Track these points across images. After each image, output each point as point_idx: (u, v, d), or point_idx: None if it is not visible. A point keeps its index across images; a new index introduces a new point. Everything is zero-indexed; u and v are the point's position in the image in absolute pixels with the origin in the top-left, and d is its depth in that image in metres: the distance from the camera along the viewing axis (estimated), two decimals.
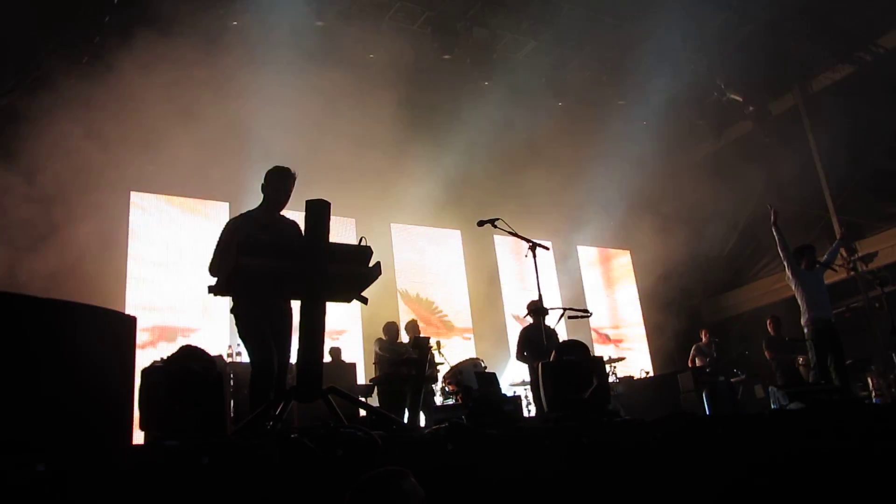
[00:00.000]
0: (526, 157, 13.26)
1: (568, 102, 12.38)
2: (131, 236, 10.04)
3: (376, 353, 9.13)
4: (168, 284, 10.09)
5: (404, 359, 8.87)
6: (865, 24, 12.04)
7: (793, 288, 7.83)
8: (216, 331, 9.95)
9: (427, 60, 11.11)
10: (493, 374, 6.98)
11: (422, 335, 9.41)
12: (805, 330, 7.66)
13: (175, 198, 10.61)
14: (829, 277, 8.05)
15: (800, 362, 10.08)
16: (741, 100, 13.48)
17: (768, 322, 10.09)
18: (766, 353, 9.90)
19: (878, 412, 5.01)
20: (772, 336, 10.01)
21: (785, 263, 7.72)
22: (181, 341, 9.45)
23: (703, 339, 11.27)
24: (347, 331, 11.21)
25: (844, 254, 12.66)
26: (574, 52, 12.14)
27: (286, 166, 4.86)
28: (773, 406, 5.59)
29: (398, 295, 12.26)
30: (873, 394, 10.89)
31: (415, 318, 9.99)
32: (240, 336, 4.63)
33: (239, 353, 8.12)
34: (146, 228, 10.27)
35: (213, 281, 4.13)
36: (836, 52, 12.77)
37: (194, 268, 10.09)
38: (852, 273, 10.45)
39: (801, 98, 14.00)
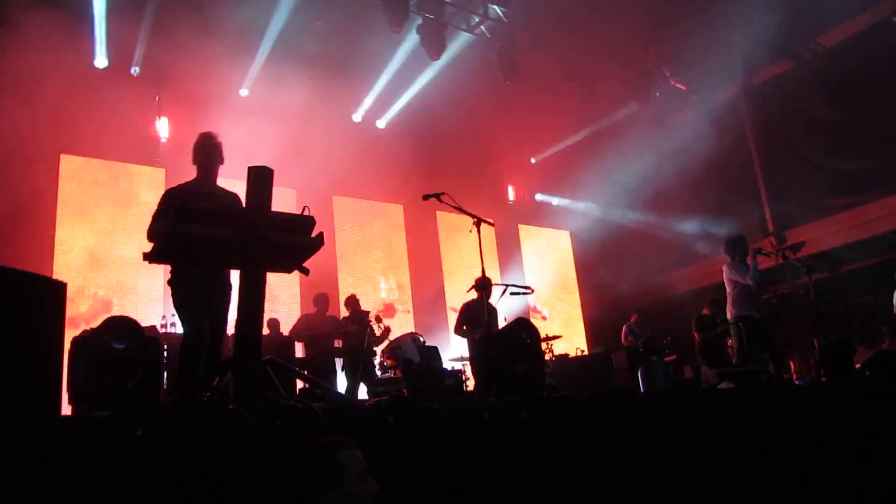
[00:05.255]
0: (471, 137, 13.33)
1: (515, 83, 12.35)
2: (60, 201, 9.67)
3: (304, 328, 9.00)
4: (101, 251, 9.78)
5: (342, 332, 8.84)
6: (806, 22, 12.38)
7: (725, 280, 8.05)
8: (152, 299, 9.70)
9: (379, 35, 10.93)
10: (435, 348, 6.99)
11: (361, 309, 9.40)
12: (731, 323, 7.91)
13: (107, 162, 10.20)
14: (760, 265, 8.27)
15: (729, 344, 10.40)
16: (684, 87, 13.74)
17: (707, 305, 10.30)
18: (694, 334, 10.10)
19: (804, 393, 5.25)
20: (704, 315, 10.23)
21: (735, 277, 7.87)
22: (115, 310, 9.19)
23: (633, 320, 11.52)
24: (284, 302, 11.06)
25: (774, 242, 13.12)
26: (527, 32, 12.12)
27: (211, 131, 4.76)
28: (703, 385, 5.79)
29: (338, 269, 12.14)
30: (794, 376, 11.36)
31: (353, 293, 9.90)
32: (175, 307, 4.60)
33: (174, 325, 7.92)
34: (76, 193, 9.88)
35: (149, 248, 4.00)
36: (776, 48, 13.10)
37: (128, 235, 9.83)
38: (781, 261, 10.80)
39: (742, 89, 14.36)
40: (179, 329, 5.83)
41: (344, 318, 9.45)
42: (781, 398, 4.89)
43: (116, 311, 8.91)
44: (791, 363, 11.76)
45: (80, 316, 9.08)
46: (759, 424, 4.37)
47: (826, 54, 13.08)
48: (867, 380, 5.90)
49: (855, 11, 12.27)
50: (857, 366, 6.46)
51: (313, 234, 3.93)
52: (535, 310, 14.22)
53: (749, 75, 14.22)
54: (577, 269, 15.75)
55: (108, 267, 9.81)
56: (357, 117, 12.67)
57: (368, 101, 12.54)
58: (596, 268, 14.94)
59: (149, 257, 3.69)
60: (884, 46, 11.51)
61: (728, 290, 8.02)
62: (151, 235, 4.41)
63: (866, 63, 11.73)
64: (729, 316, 7.98)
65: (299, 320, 9.17)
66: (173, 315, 7.42)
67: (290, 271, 4.18)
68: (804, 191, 13.50)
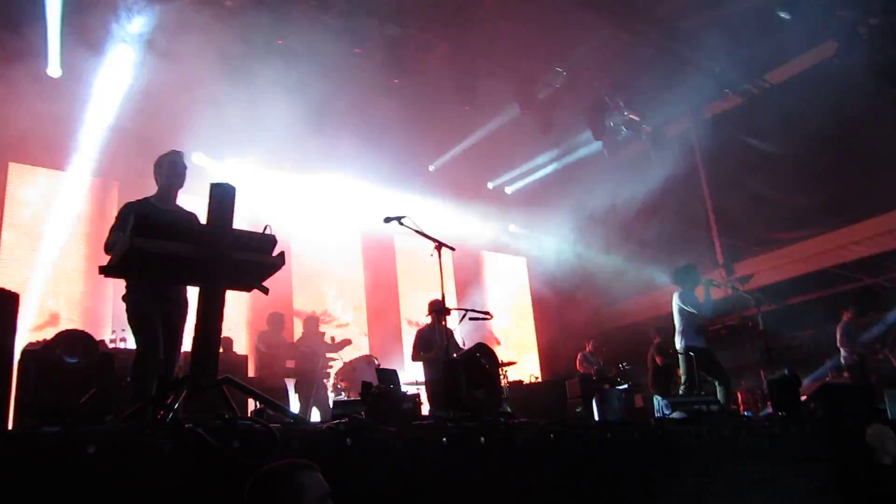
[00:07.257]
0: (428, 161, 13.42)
1: (475, 108, 12.47)
2: (8, 210, 9.42)
3: (257, 348, 8.99)
4: (50, 262, 9.52)
5: (297, 353, 8.76)
6: (754, 59, 12.82)
7: (674, 310, 8.18)
8: (100, 313, 9.45)
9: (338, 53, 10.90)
10: (394, 371, 6.96)
11: (319, 330, 9.36)
12: (681, 353, 8.03)
13: (57, 172, 9.95)
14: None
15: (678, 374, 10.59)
16: (638, 119, 14.03)
17: (655, 332, 10.47)
18: (657, 359, 10.19)
19: (750, 423, 5.39)
20: (661, 343, 10.38)
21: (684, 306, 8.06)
22: (64, 324, 8.91)
23: (588, 349, 11.64)
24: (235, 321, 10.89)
25: (724, 274, 13.45)
26: (485, 58, 12.25)
27: (179, 150, 4.73)
28: (656, 414, 5.88)
29: (293, 290, 11.99)
30: (742, 407, 11.58)
31: (314, 311, 9.86)
32: (129, 323, 4.49)
33: (123, 339, 7.72)
34: (25, 203, 9.62)
35: (105, 261, 3.91)
36: (726, 84, 13.52)
37: (78, 247, 9.60)
38: (730, 292, 11.08)
39: (693, 123, 14.75)
40: (130, 345, 5.70)
41: (299, 339, 9.37)
42: (729, 427, 5.01)
43: (65, 324, 8.68)
44: (738, 394, 12.00)
45: (26, 328, 8.80)
46: (709, 453, 4.46)
47: (773, 91, 13.53)
48: (812, 412, 6.07)
49: (800, 51, 12.74)
50: (803, 398, 6.64)
51: (274, 254, 3.90)
52: (491, 335, 14.26)
53: (700, 109, 14.63)
54: (531, 296, 15.87)
55: (58, 279, 9.54)
56: None
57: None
58: (551, 295, 15.07)
59: (105, 270, 3.61)
60: (827, 85, 11.96)
61: (676, 319, 8.12)
62: (108, 248, 4.33)
63: (810, 100, 12.16)
64: (678, 346, 8.07)
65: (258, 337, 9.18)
66: (124, 330, 7.24)
67: (249, 290, 4.13)
68: (752, 224, 13.89)
